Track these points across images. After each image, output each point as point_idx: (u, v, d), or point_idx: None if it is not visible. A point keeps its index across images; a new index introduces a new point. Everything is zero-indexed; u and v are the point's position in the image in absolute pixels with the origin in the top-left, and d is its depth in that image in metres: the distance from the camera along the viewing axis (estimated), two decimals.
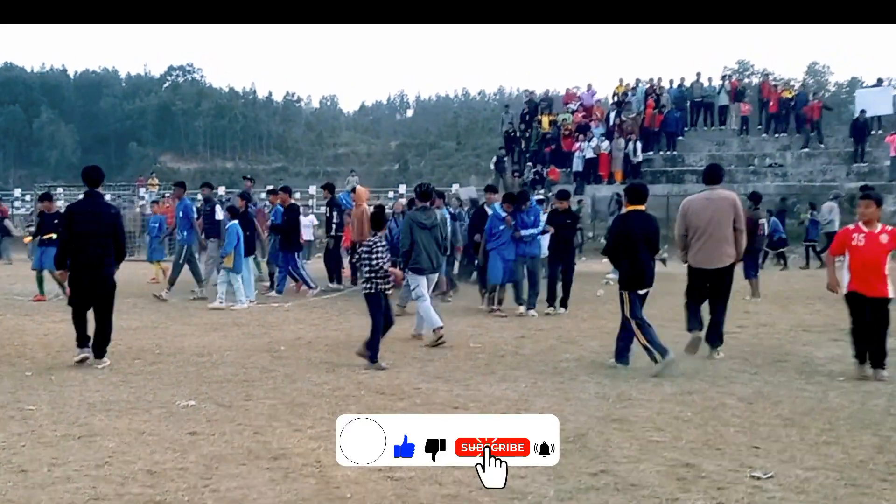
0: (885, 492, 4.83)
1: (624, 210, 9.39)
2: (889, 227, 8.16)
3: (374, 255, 8.78)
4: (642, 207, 8.82)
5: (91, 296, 8.89)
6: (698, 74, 33.98)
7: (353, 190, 16.91)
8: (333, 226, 16.49)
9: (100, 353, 8.89)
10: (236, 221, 13.77)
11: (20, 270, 21.35)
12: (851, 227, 8.35)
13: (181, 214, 15.52)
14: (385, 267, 8.81)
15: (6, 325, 11.63)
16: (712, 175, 9.49)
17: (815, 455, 5.53)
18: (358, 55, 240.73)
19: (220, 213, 15.43)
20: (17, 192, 39.99)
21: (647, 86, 34.13)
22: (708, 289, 9.32)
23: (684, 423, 6.40)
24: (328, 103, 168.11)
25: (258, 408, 6.89)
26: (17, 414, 6.64)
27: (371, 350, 8.72)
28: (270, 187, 21.60)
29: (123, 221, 10.44)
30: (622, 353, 8.78)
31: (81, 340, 8.87)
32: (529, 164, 33.58)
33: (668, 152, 32.76)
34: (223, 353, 9.43)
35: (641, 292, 8.67)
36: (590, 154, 31.40)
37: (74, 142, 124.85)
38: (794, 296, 15.84)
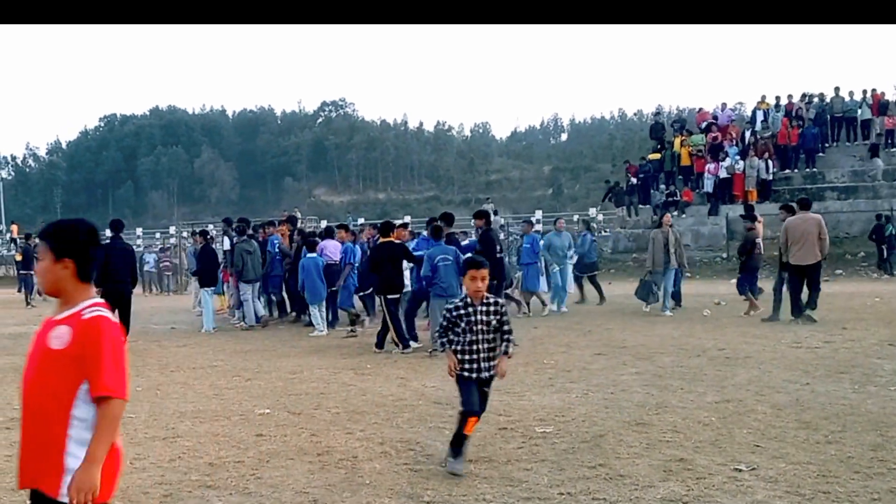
0: (850, 481, 5.19)
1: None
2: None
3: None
4: (392, 238, 12.89)
5: (118, 303, 12.58)
6: (837, 89, 33.21)
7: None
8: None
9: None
10: (314, 255, 14.82)
11: (162, 303, 23.31)
12: None
13: None
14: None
15: (136, 349, 13.00)
16: (805, 204, 14.38)
17: (809, 452, 5.89)
18: (511, 81, 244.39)
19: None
20: (172, 230, 43.18)
21: (787, 103, 33.65)
22: (803, 279, 13.85)
23: (704, 426, 6.82)
24: (480, 131, 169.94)
25: (323, 415, 7.75)
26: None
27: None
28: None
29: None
30: (379, 342, 12.30)
31: None
32: (662, 186, 33.67)
33: (808, 170, 32.11)
34: (313, 371, 10.42)
35: (392, 297, 12.30)
36: (723, 174, 31.12)
37: (233, 179, 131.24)
38: None
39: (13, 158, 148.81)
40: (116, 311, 12.95)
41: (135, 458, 6.33)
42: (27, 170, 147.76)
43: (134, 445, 6.77)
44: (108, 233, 14.85)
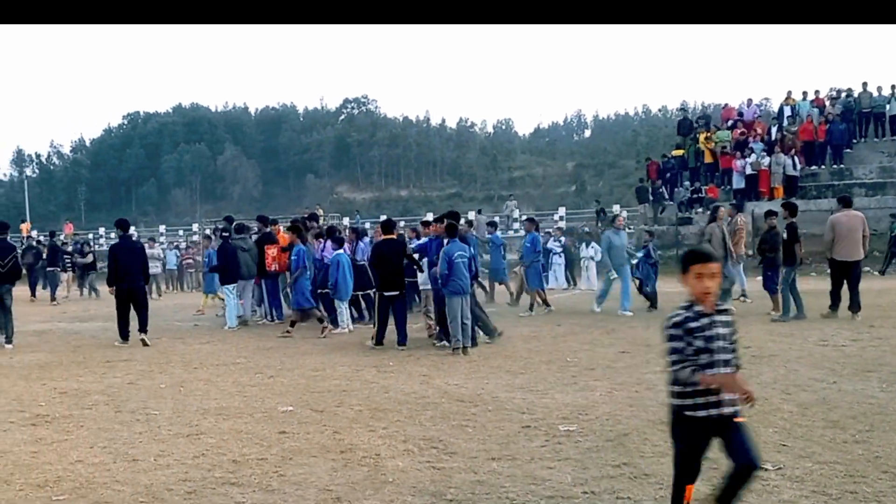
0: (878, 481, 5.12)
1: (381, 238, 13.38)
2: None
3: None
4: (393, 236, 13.34)
5: (132, 301, 13.51)
6: (865, 84, 32.68)
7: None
8: None
9: (144, 330, 13.45)
10: (341, 251, 14.81)
11: (185, 300, 23.42)
12: None
13: None
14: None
15: (160, 346, 13.14)
16: (847, 201, 14.84)
17: (836, 452, 5.82)
18: (533, 77, 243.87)
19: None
20: (195, 227, 43.60)
21: (814, 98, 33.27)
22: (846, 275, 14.19)
23: None
24: (503, 127, 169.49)
25: (346, 412, 7.75)
26: (143, 417, 7.79)
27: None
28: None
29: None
30: (379, 339, 12.46)
31: (125, 336, 13.40)
32: (687, 182, 33.43)
33: (835, 166, 31.71)
34: (336, 368, 10.43)
35: (389, 294, 12.45)
36: (749, 171, 30.81)
37: (256, 176, 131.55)
38: None
39: (38, 156, 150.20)
40: (131, 307, 13.59)
41: (158, 455, 6.36)
42: (51, 167, 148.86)
43: (158, 442, 6.81)
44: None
